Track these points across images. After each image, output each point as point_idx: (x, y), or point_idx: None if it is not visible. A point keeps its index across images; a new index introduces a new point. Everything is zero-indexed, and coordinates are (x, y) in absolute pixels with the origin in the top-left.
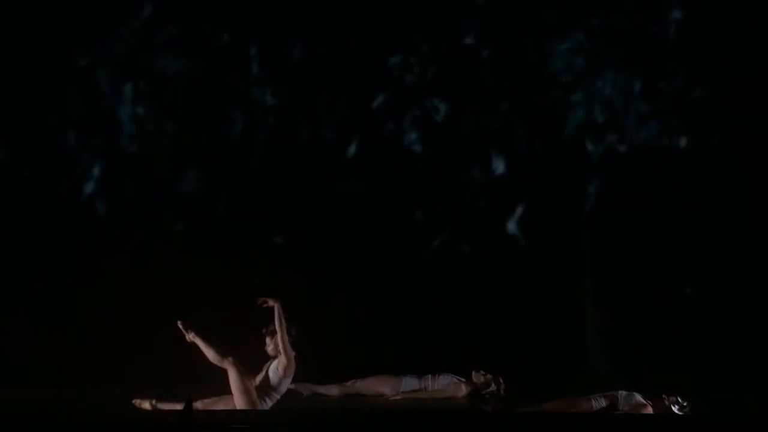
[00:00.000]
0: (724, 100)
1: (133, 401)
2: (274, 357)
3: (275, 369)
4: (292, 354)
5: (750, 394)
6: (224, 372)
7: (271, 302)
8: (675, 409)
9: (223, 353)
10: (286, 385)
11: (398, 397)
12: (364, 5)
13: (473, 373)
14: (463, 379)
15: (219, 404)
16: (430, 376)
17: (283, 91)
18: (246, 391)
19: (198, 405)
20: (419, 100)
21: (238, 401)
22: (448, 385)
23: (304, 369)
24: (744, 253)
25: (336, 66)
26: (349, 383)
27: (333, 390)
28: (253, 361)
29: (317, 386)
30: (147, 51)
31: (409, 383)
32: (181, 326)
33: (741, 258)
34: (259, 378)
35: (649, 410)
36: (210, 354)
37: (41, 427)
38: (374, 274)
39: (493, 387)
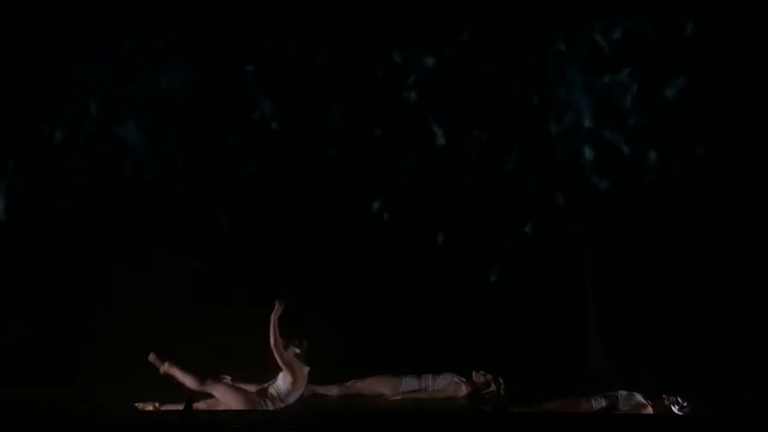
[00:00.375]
0: (727, 105)
1: (136, 404)
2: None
3: (284, 378)
4: (301, 368)
5: (750, 394)
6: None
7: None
8: (675, 409)
9: (201, 377)
10: (294, 397)
11: (398, 397)
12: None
13: (473, 373)
14: (463, 379)
15: (219, 404)
16: (430, 376)
17: (281, 104)
18: (242, 401)
19: (198, 405)
20: (416, 117)
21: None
22: (448, 385)
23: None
24: (744, 253)
25: (332, 79)
26: (349, 383)
27: (333, 390)
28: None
29: (317, 386)
30: (145, 68)
31: (409, 383)
32: (153, 359)
33: (741, 258)
34: (268, 384)
35: (649, 410)
36: (188, 381)
37: (41, 427)
38: (374, 274)
39: (493, 387)
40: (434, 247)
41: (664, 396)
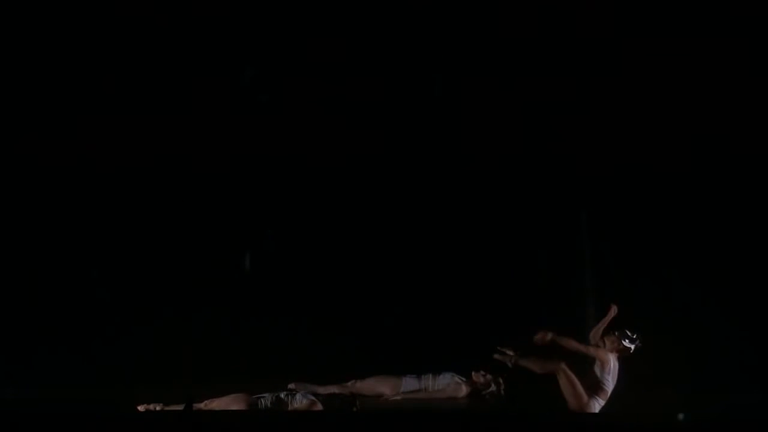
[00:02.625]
0: None
1: (137, 406)
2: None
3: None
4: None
5: (751, 394)
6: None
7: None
8: (626, 343)
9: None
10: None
11: (398, 397)
12: None
13: (473, 373)
14: (463, 379)
15: (219, 404)
16: (430, 376)
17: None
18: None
19: (198, 405)
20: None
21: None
22: (448, 385)
23: (303, 369)
24: (746, 253)
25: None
26: (349, 383)
27: (333, 390)
28: None
29: (317, 386)
30: None
31: (409, 383)
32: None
33: (742, 258)
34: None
35: (605, 351)
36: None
37: (41, 427)
38: (374, 274)
39: (493, 387)
40: (435, 248)
41: (615, 333)
